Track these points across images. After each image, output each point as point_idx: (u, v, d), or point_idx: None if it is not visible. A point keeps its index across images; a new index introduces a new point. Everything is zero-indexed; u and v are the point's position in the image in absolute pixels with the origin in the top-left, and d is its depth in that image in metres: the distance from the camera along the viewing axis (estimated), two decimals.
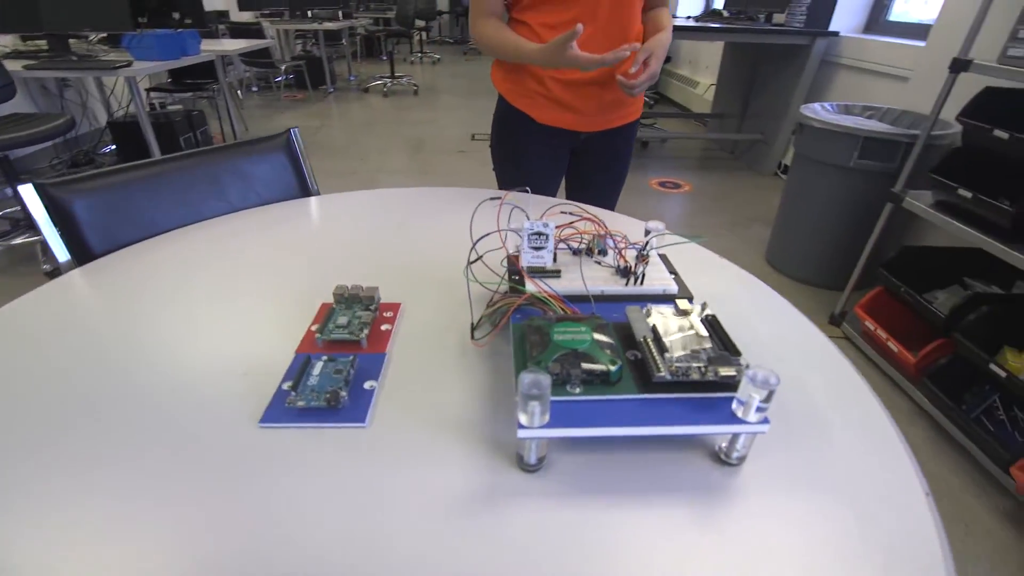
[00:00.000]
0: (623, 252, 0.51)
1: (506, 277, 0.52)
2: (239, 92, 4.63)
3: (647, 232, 0.57)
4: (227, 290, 0.61)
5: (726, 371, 0.37)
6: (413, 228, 0.77)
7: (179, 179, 0.81)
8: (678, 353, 0.39)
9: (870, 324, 1.56)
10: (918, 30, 2.33)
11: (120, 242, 0.74)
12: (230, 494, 0.37)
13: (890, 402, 1.46)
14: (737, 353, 0.39)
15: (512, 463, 0.40)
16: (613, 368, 0.38)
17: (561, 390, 0.38)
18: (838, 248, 1.89)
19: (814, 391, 0.48)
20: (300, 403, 0.44)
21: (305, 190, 0.96)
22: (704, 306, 0.45)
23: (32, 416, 0.43)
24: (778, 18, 2.99)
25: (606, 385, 0.39)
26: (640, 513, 0.36)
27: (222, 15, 4.71)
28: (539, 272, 0.51)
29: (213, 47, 2.87)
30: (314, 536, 0.35)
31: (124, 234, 0.76)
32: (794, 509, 0.37)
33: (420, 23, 7.03)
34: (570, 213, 0.52)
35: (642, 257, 0.53)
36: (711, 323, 0.43)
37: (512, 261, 0.52)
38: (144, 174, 0.78)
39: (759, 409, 0.36)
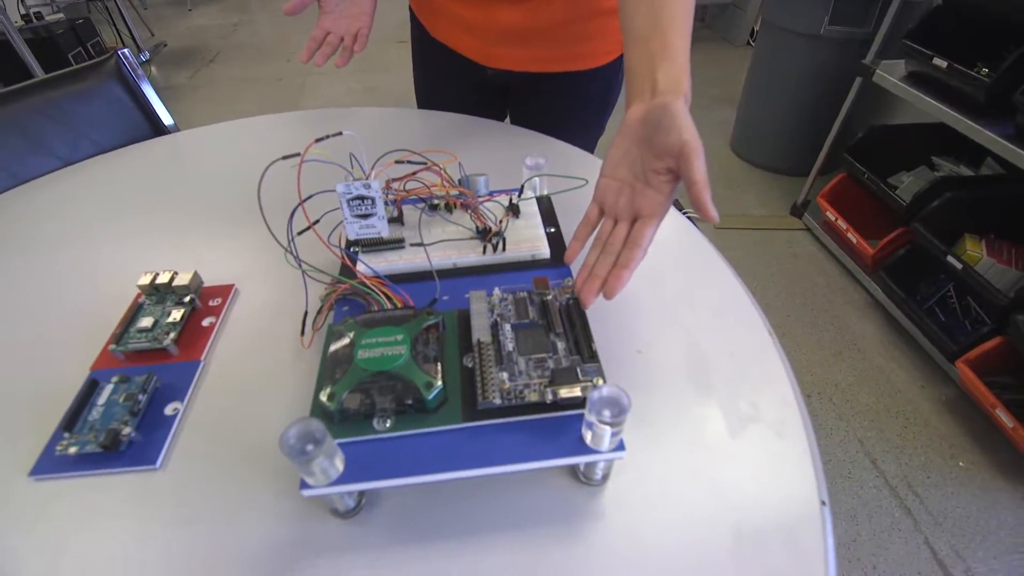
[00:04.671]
0: (477, 209, 0.40)
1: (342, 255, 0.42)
2: None
3: (526, 170, 0.45)
4: (27, 283, 0.50)
5: (568, 391, 0.29)
6: (274, 173, 0.64)
7: None
8: (520, 361, 0.30)
9: (831, 214, 1.47)
10: None
11: None
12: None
13: (845, 296, 1.42)
14: (592, 359, 0.30)
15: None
16: (430, 394, 0.29)
17: (364, 426, 0.30)
18: (806, 131, 1.75)
19: (719, 373, 0.40)
20: (72, 449, 0.35)
21: (157, 127, 0.79)
22: (568, 283, 0.35)
23: None
24: None
25: (423, 414, 0.30)
26: (491, 557, 0.30)
27: None
28: (372, 245, 0.40)
29: None
30: None
31: None
32: (675, 532, 0.30)
33: None
34: (408, 161, 0.40)
35: (511, 211, 0.42)
36: (568, 311, 0.33)
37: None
38: None
39: (613, 434, 0.28)
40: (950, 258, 1.11)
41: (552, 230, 0.43)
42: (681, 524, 0.31)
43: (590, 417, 0.27)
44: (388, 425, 0.30)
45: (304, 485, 0.28)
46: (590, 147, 0.81)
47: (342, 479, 0.28)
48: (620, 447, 0.29)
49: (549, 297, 0.34)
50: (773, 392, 0.38)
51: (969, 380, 1.05)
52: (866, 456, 1.07)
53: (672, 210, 0.52)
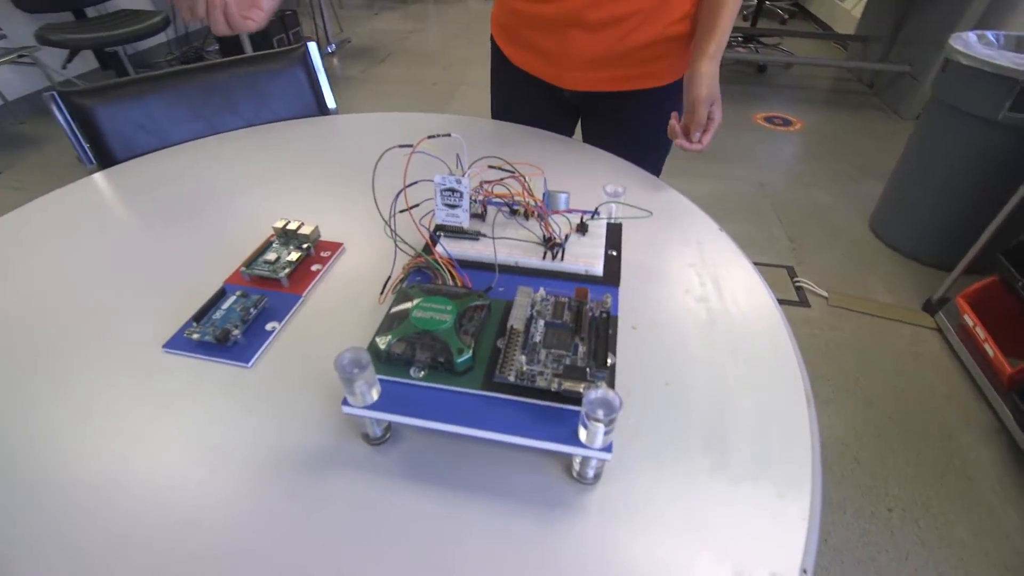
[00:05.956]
0: (547, 220, 0.45)
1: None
2: None
3: (605, 196, 0.50)
4: (198, 211, 0.64)
5: (572, 385, 0.32)
6: (394, 160, 0.74)
7: (193, 93, 0.84)
8: (541, 352, 0.35)
9: (969, 319, 1.31)
10: None
11: (137, 151, 0.79)
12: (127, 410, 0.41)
13: (966, 413, 1.25)
14: (603, 365, 0.34)
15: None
16: (459, 359, 0.35)
17: (403, 371, 0.36)
18: (959, 222, 1.56)
19: (743, 430, 0.40)
20: (195, 335, 0.45)
21: (323, 108, 0.94)
22: (607, 299, 0.39)
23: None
24: None
25: (451, 374, 0.35)
26: (480, 517, 0.34)
27: None
28: (454, 232, 0.46)
29: None
30: (152, 467, 0.37)
31: (141, 143, 0.80)
32: (650, 551, 0.32)
33: None
34: (500, 168, 0.46)
35: (578, 227, 0.46)
36: (598, 323, 0.37)
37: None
38: (158, 87, 0.81)
39: (605, 432, 0.31)
40: None
41: (613, 253, 0.46)
42: (654, 543, 0.33)
43: (583, 412, 0.31)
44: (421, 375, 0.35)
45: (345, 403, 0.34)
46: (660, 161, 0.86)
47: (376, 406, 0.34)
48: (608, 449, 0.32)
49: (586, 307, 0.38)
50: (789, 454, 0.38)
51: None
52: None
53: (745, 263, 0.53)
